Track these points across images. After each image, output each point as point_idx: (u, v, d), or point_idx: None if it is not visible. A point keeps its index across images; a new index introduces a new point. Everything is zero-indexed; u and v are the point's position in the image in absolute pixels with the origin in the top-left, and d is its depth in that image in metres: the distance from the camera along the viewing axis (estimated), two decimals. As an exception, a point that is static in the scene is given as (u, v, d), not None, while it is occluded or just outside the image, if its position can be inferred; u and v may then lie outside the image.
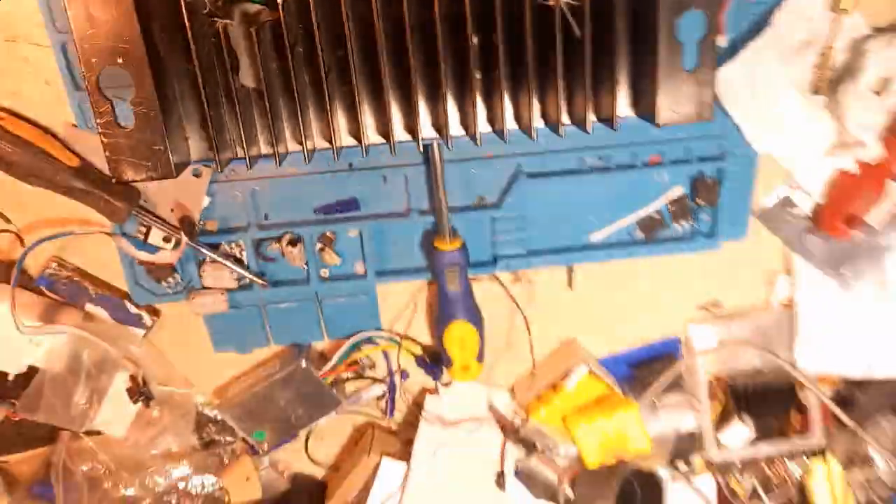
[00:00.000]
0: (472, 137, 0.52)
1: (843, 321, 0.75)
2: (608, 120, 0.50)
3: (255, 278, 0.69)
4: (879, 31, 0.66)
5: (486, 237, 0.70)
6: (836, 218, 0.71)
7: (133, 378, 0.72)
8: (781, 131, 0.69)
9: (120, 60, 0.44)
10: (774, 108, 0.67)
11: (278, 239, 0.68)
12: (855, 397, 0.78)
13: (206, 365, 0.76)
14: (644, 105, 0.50)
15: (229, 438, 0.77)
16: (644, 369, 0.81)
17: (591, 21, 0.46)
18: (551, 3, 0.46)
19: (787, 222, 0.73)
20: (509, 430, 0.79)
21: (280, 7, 0.45)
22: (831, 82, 0.67)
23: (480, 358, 0.74)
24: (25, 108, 0.63)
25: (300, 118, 0.49)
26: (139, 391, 0.71)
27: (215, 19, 0.46)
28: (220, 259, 0.67)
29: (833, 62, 0.66)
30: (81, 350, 0.68)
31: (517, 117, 0.53)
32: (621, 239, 0.72)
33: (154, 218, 0.65)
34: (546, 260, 0.72)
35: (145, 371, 0.72)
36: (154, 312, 0.72)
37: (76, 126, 0.63)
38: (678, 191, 0.70)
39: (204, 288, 0.70)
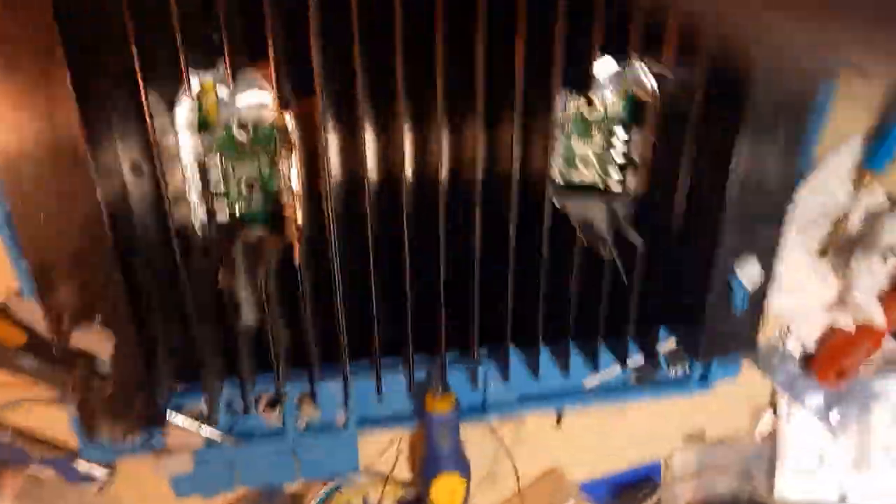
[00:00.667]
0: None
1: (823, 456, 0.76)
2: (652, 356, 0.46)
3: (225, 438, 0.63)
4: (896, 201, 0.64)
5: (475, 385, 0.65)
6: (829, 369, 0.70)
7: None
8: (784, 288, 0.67)
9: (98, 317, 0.37)
10: (780, 266, 0.65)
11: (255, 399, 0.62)
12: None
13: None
14: (686, 339, 0.47)
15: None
16: (625, 493, 0.80)
17: (640, 268, 0.42)
18: (604, 255, 0.41)
19: (778, 367, 0.73)
20: (488, 560, 0.77)
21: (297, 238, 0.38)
22: (841, 247, 0.65)
23: (465, 502, 0.70)
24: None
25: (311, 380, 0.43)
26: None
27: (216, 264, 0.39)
28: (186, 427, 0.60)
29: (847, 230, 0.64)
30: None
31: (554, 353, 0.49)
32: (614, 384, 0.69)
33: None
34: (537, 405, 0.69)
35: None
36: (108, 466, 0.64)
37: (20, 295, 0.53)
38: (672, 343, 0.67)
39: (168, 449, 0.62)
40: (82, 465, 0.63)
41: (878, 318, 0.65)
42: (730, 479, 0.79)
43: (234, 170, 0.40)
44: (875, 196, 0.63)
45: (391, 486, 0.71)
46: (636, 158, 0.43)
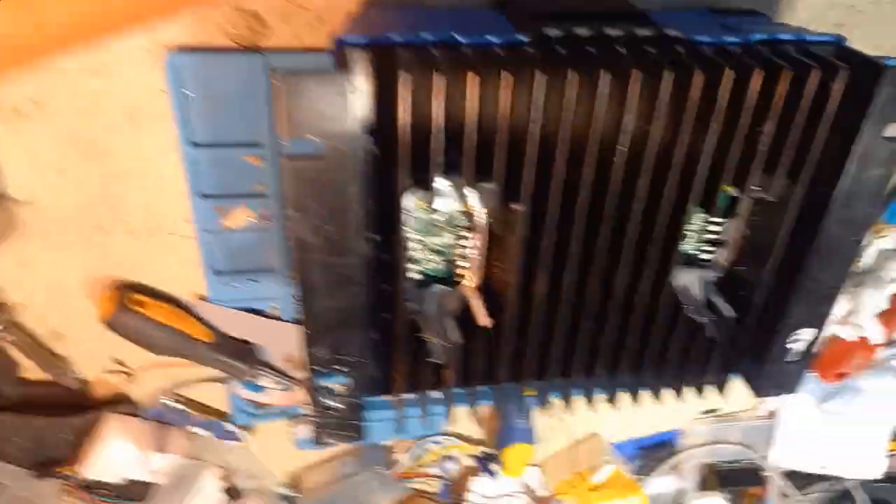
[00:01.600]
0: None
1: (812, 433, 0.94)
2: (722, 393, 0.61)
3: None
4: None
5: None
6: (831, 370, 0.86)
7: (225, 479, 0.80)
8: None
9: (344, 370, 0.50)
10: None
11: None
12: (807, 483, 0.99)
13: (286, 456, 0.84)
14: (748, 380, 0.61)
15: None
16: (650, 453, 0.98)
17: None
18: (696, 319, 0.55)
19: (788, 363, 0.89)
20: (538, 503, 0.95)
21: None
22: (854, 277, 0.80)
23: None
24: (162, 283, 0.65)
25: None
26: (230, 492, 0.80)
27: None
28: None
29: (860, 265, 0.78)
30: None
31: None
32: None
33: (269, 370, 0.71)
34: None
35: (233, 473, 0.80)
36: (248, 428, 0.79)
37: (206, 300, 0.66)
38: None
39: (303, 415, 0.77)
40: (229, 427, 0.77)
41: (876, 335, 0.81)
42: (734, 447, 0.97)
43: (429, 245, 0.52)
44: (887, 241, 0.77)
45: (470, 447, 0.87)
46: (728, 240, 0.56)
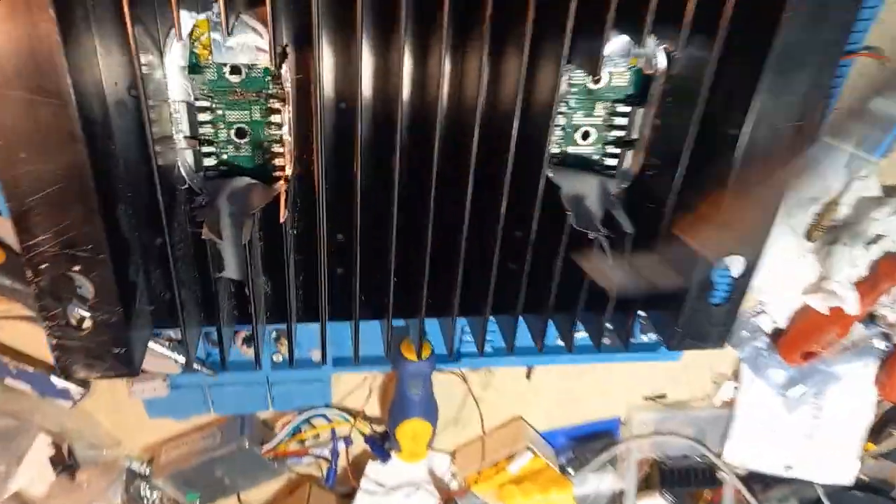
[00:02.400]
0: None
1: (775, 428, 0.79)
2: (625, 338, 0.47)
3: (202, 368, 0.63)
4: (891, 189, 0.64)
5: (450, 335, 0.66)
6: (796, 349, 0.72)
7: (57, 447, 0.66)
8: (764, 264, 0.68)
9: (77, 268, 0.36)
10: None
11: (234, 333, 0.62)
12: (768, 487, 0.84)
13: (138, 425, 0.70)
14: (661, 326, 0.47)
15: (158, 495, 0.74)
16: (584, 444, 0.83)
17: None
18: (591, 235, 0.41)
19: (746, 340, 0.74)
20: (446, 496, 0.80)
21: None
22: (827, 232, 0.66)
23: (429, 445, 0.73)
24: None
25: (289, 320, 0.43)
26: (63, 463, 0.66)
27: (197, 222, 0.38)
28: (164, 351, 0.61)
29: (834, 215, 0.64)
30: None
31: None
32: (586, 344, 0.71)
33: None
34: (509, 361, 0.70)
35: (71, 440, 0.66)
36: (83, 384, 0.65)
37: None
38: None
39: (143, 372, 0.63)
40: (58, 382, 0.63)
41: (852, 305, 0.66)
42: (684, 441, 0.82)
43: (224, 115, 0.39)
44: (867, 184, 0.63)
45: (360, 423, 0.73)
46: (637, 137, 0.43)
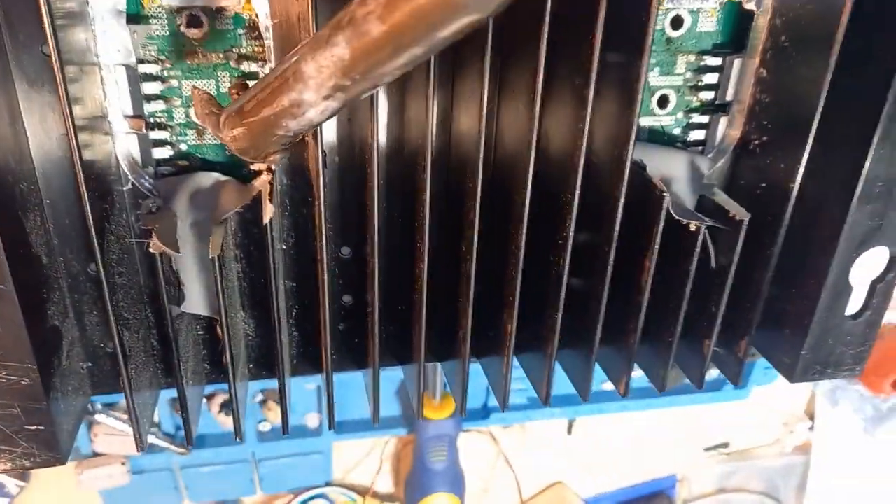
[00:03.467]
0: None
1: (861, 475, 0.67)
2: (735, 376, 0.35)
3: (170, 445, 0.50)
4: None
5: (476, 383, 0.54)
6: (884, 376, 0.60)
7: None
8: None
9: None
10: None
11: (207, 397, 0.50)
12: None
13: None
14: (773, 351, 0.36)
15: None
16: (635, 510, 0.70)
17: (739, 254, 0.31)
18: (692, 227, 0.30)
19: (823, 371, 0.63)
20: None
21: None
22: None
23: (457, 522, 0.59)
24: None
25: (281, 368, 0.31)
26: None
27: (143, 231, 0.26)
28: (120, 426, 0.48)
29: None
30: None
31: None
32: (638, 387, 0.59)
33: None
34: (549, 413, 0.58)
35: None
36: (21, 475, 0.52)
37: None
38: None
39: (96, 454, 0.50)
40: (-14, 476, 0.50)
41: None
42: (753, 496, 0.69)
43: (180, 86, 0.28)
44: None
45: (370, 501, 0.60)
46: (732, 99, 0.32)
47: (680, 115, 0.34)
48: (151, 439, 0.50)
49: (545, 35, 0.25)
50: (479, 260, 0.30)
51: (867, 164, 0.29)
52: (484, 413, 0.58)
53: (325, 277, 0.29)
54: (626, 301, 0.32)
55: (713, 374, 0.60)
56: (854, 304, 0.34)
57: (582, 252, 0.30)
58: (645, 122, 0.33)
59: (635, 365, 0.35)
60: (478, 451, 0.61)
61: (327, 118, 0.19)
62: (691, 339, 0.35)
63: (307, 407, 0.54)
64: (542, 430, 0.63)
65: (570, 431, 0.63)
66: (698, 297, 0.33)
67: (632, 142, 0.27)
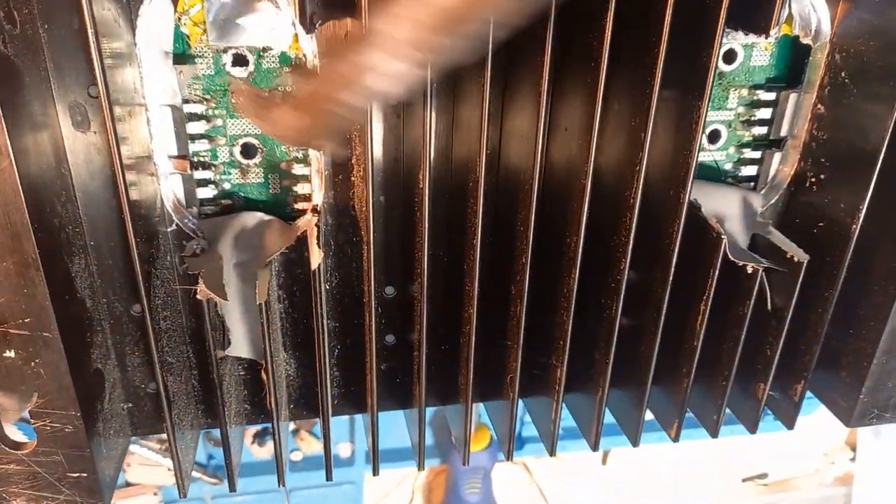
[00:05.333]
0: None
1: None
2: (790, 420, 0.34)
3: (202, 476, 0.50)
4: None
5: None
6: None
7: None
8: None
9: (9, 354, 0.24)
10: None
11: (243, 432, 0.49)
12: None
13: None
14: (829, 394, 0.35)
15: None
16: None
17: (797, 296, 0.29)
18: (749, 269, 0.29)
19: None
20: None
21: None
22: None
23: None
24: None
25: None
26: None
27: (190, 276, 0.26)
28: (154, 457, 0.47)
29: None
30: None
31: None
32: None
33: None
34: (584, 444, 0.57)
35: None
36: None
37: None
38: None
39: (129, 484, 0.50)
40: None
41: None
42: (794, 528, 0.67)
43: (225, 125, 0.27)
44: None
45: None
46: (786, 134, 0.31)
47: (731, 150, 0.33)
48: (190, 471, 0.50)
49: (603, 72, 0.25)
50: (527, 300, 0.29)
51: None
52: (518, 443, 0.56)
53: (373, 320, 0.28)
54: (679, 345, 0.31)
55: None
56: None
57: (634, 292, 0.30)
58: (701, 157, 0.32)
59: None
60: (511, 481, 0.60)
61: (394, 92, 0.18)
62: (745, 383, 0.34)
63: (339, 436, 0.54)
64: (576, 460, 0.61)
65: (604, 461, 0.61)
66: (753, 339, 0.31)
67: (689, 183, 0.26)
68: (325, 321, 0.29)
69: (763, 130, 0.32)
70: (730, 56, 0.31)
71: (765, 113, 0.32)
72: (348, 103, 0.18)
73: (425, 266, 0.27)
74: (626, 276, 0.28)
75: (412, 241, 0.28)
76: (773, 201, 0.33)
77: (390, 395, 0.35)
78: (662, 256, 0.28)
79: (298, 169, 0.29)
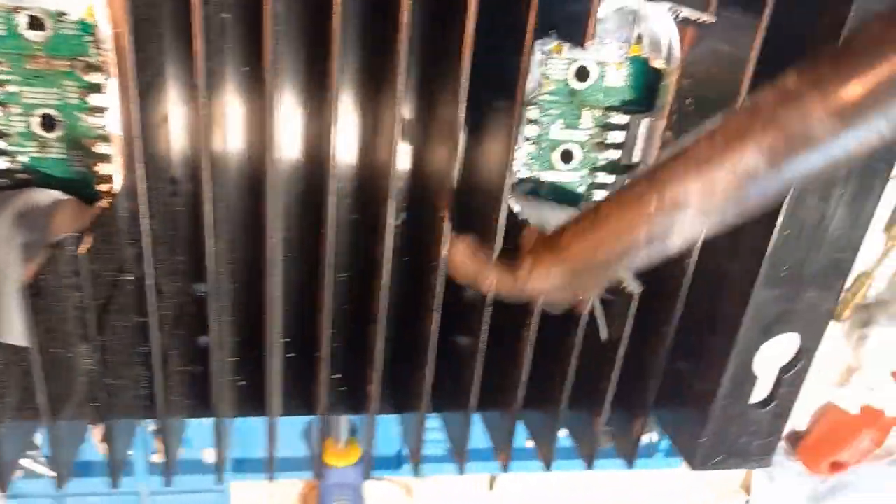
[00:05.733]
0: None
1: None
2: (629, 457, 0.33)
3: (43, 469, 0.47)
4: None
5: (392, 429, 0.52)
6: (821, 457, 0.58)
7: None
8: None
9: None
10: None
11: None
12: None
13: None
14: (677, 433, 0.33)
15: None
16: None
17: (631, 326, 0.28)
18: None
19: (760, 445, 0.60)
20: None
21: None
22: (860, 310, 0.53)
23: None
24: None
25: None
26: None
27: None
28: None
29: (867, 291, 0.52)
30: None
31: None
32: (564, 446, 0.56)
33: None
34: (471, 466, 0.55)
35: None
36: None
37: None
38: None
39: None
40: None
41: (891, 402, 0.53)
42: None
43: (19, 93, 0.25)
44: (909, 254, 0.51)
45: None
46: (639, 160, 0.30)
47: (585, 172, 0.31)
48: (30, 464, 0.47)
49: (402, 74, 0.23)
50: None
51: (771, 244, 0.27)
52: (397, 462, 0.54)
53: (155, 324, 0.26)
54: (506, 372, 0.30)
55: (645, 440, 0.57)
56: (760, 392, 0.31)
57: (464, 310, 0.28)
58: (547, 176, 0.31)
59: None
60: (390, 502, 0.57)
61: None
62: (586, 414, 0.33)
63: (204, 441, 0.51)
64: (462, 484, 0.59)
65: (491, 487, 0.60)
66: (594, 370, 0.30)
67: (504, 200, 0.25)
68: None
69: (617, 154, 0.31)
70: (582, 73, 0.29)
71: (617, 136, 0.30)
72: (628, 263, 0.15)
73: (213, 265, 0.25)
74: (440, 293, 0.26)
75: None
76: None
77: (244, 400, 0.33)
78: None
79: (103, 148, 0.27)
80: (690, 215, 0.13)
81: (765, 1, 0.23)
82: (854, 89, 0.10)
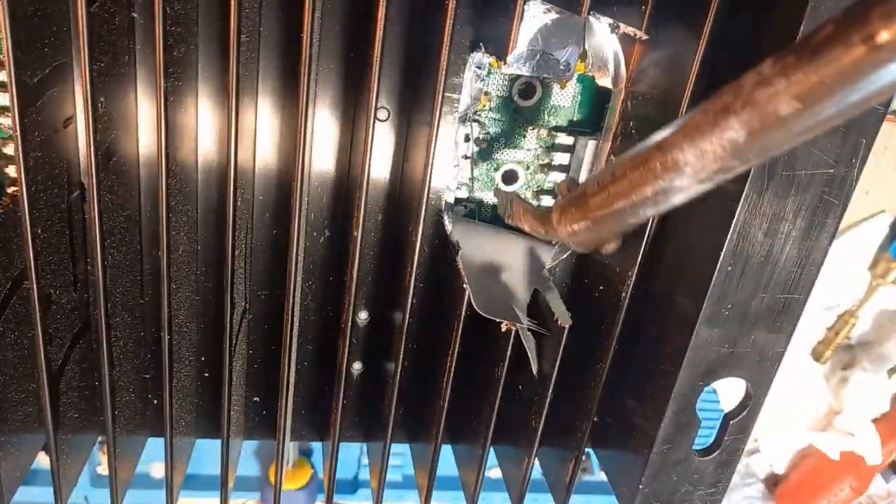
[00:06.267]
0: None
1: None
2: (561, 499, 0.31)
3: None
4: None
5: (347, 451, 0.50)
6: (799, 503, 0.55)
7: None
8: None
9: None
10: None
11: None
12: None
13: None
14: (616, 476, 0.31)
15: None
16: None
17: (566, 358, 0.26)
18: (504, 326, 0.25)
19: (736, 487, 0.57)
20: None
21: None
22: (843, 351, 0.51)
23: None
24: None
25: None
26: None
27: None
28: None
29: (849, 331, 0.49)
30: None
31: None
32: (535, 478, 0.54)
33: None
34: (389, 494, 0.53)
35: None
36: None
37: None
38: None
39: None
40: None
41: (871, 451, 0.51)
42: None
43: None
44: (892, 292, 0.48)
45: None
46: (582, 182, 0.28)
47: (529, 194, 0.30)
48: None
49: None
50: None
51: (714, 279, 0.25)
52: (353, 487, 0.52)
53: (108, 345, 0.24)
54: (428, 402, 0.28)
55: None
56: (704, 439, 0.29)
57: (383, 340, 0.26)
58: (490, 198, 0.29)
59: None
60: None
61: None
62: (517, 451, 0.31)
63: (152, 455, 0.49)
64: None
65: (450, 516, 0.57)
66: (526, 407, 0.28)
67: (422, 219, 0.23)
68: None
69: (561, 176, 0.29)
70: (528, 91, 0.28)
71: (562, 158, 0.29)
72: (642, 215, 0.18)
73: (164, 298, 0.23)
74: (351, 320, 0.25)
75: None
76: (564, 256, 0.29)
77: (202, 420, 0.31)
78: (402, 301, 0.25)
79: (10, 150, 0.25)
80: (688, 175, 0.15)
81: (703, 21, 0.21)
82: (810, 78, 0.12)
